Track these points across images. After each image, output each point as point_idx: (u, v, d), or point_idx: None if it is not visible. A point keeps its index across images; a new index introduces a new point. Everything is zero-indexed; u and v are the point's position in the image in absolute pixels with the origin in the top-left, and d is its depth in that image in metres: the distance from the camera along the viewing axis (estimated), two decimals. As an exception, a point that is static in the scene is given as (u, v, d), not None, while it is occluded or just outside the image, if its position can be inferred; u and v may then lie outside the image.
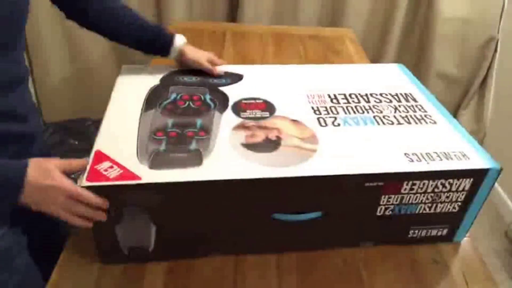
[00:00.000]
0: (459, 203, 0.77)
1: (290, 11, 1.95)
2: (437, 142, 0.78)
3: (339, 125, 0.82)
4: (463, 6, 1.94)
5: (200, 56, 0.97)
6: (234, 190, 0.68)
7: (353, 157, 0.73)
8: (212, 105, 0.85)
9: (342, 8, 1.94)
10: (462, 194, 0.76)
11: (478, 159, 0.76)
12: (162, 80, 0.93)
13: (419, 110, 0.89)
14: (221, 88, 0.91)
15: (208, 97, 0.88)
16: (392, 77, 1.03)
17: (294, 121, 0.83)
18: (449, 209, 0.77)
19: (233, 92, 0.90)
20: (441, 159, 0.73)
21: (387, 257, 0.79)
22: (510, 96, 1.93)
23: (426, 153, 0.74)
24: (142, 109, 0.82)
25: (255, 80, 0.96)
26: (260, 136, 0.77)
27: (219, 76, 0.97)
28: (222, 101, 0.87)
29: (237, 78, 0.97)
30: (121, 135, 0.75)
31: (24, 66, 0.75)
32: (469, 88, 2.13)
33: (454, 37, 2.00)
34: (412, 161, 0.72)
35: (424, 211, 0.76)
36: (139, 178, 0.65)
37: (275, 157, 0.72)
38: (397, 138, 0.79)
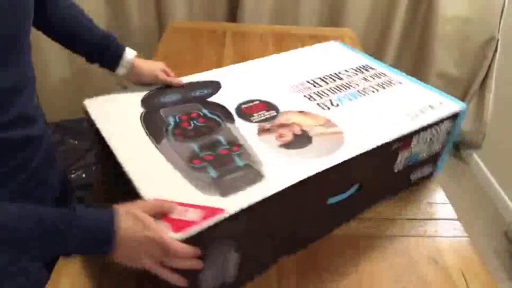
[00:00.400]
0: (442, 142, 0.91)
1: (290, 11, 1.95)
2: (417, 98, 0.91)
3: (338, 105, 0.87)
4: (463, 6, 1.94)
5: (154, 68, 0.89)
6: (299, 189, 0.68)
7: (373, 128, 0.80)
8: (217, 118, 0.82)
9: (342, 8, 1.94)
10: (445, 135, 0.89)
11: (452, 104, 0.90)
12: (144, 106, 0.84)
13: (383, 76, 1.00)
14: (209, 99, 0.87)
15: (207, 111, 0.83)
16: (341, 53, 1.12)
17: (301, 112, 0.85)
18: (436, 149, 0.91)
19: (224, 100, 0.87)
20: (429, 111, 0.86)
21: (387, 257, 0.79)
22: (510, 96, 1.93)
23: (418, 109, 0.86)
24: (153, 143, 0.74)
25: (233, 83, 0.94)
26: (287, 135, 0.77)
27: (193, 87, 0.90)
28: (222, 112, 0.83)
29: (215, 85, 0.93)
30: (158, 176, 0.67)
31: (32, 66, 0.74)
32: (469, 88, 2.13)
33: (454, 37, 2.00)
34: (413, 119, 0.83)
35: (422, 157, 0.89)
36: (223, 211, 0.60)
37: (315, 149, 0.74)
38: (386, 103, 0.89)
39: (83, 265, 0.75)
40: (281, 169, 0.69)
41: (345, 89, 0.93)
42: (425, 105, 0.88)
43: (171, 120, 0.80)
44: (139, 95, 0.88)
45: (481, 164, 2.11)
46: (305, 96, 0.90)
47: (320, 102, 0.88)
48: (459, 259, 0.80)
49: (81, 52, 0.89)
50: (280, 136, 0.77)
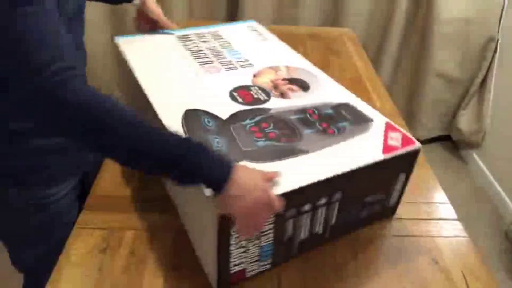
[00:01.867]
0: None
1: (290, 11, 1.95)
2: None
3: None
4: (463, 6, 1.94)
5: (159, 10, 1.05)
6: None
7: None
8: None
9: (342, 8, 1.94)
10: None
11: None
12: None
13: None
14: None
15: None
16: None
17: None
18: None
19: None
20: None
21: (387, 257, 0.79)
22: (510, 96, 1.93)
23: None
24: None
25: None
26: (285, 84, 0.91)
27: None
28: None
29: None
30: None
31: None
32: (469, 88, 2.13)
33: (454, 37, 2.00)
34: None
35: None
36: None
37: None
38: None
39: (83, 266, 0.75)
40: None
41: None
42: None
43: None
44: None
45: (481, 164, 2.11)
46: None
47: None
48: (459, 259, 0.80)
49: None
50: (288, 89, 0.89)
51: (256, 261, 0.71)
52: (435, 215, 0.89)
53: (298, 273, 0.75)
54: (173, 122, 0.74)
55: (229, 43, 1.06)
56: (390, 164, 0.75)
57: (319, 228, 0.74)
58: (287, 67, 0.98)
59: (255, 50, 1.04)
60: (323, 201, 0.70)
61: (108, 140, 0.58)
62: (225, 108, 0.81)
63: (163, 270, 0.75)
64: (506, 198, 1.90)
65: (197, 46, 1.03)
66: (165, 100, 0.81)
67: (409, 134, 0.78)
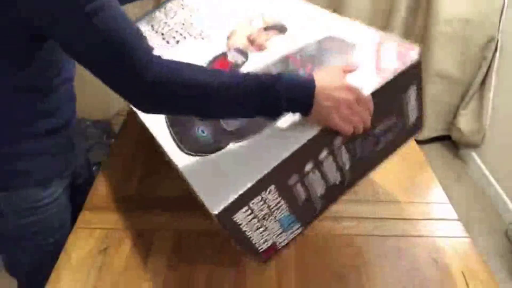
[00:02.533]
0: None
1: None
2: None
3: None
4: (463, 6, 1.93)
5: None
6: None
7: None
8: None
9: (342, 8, 1.94)
10: None
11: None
12: None
13: None
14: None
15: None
16: None
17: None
18: None
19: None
20: None
21: (387, 257, 0.79)
22: (510, 96, 1.93)
23: None
24: None
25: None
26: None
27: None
28: None
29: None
30: None
31: None
32: (469, 88, 2.13)
33: (454, 37, 2.00)
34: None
35: None
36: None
37: None
38: None
39: (83, 266, 0.75)
40: None
41: None
42: None
43: None
44: None
45: (481, 164, 2.10)
46: None
47: None
48: (459, 259, 0.80)
49: None
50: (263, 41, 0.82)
51: (281, 232, 0.69)
52: (435, 215, 0.89)
53: (298, 273, 0.75)
54: None
55: (197, 9, 0.99)
56: (390, 87, 0.67)
57: (335, 179, 0.71)
58: (262, 15, 0.89)
59: (225, 7, 0.96)
60: (324, 153, 0.66)
61: (215, 102, 0.61)
62: None
63: (163, 270, 0.75)
64: (506, 198, 1.90)
65: (166, 23, 0.99)
66: None
67: (405, 43, 0.70)
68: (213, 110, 0.64)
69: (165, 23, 1.00)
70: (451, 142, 2.33)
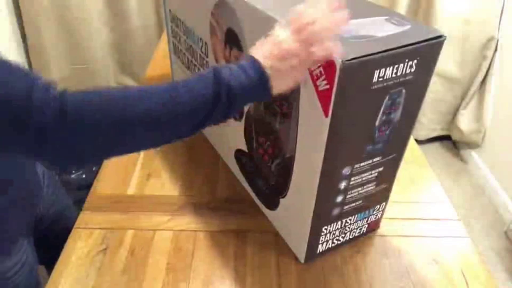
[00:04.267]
0: None
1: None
2: None
3: None
4: (463, 6, 1.94)
5: None
6: None
7: None
8: None
9: (342, 8, 1.94)
10: None
11: None
12: None
13: None
14: None
15: None
16: None
17: None
18: None
19: None
20: None
21: (387, 257, 0.79)
22: (510, 96, 1.93)
23: None
24: None
25: None
26: None
27: None
28: None
29: None
30: None
31: None
32: (469, 88, 2.13)
33: (454, 37, 2.00)
34: None
35: None
36: None
37: None
38: None
39: (82, 266, 0.75)
40: None
41: None
42: None
43: None
44: None
45: (481, 164, 2.10)
46: None
47: None
48: (459, 259, 0.80)
49: None
50: None
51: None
52: (435, 215, 0.89)
53: (298, 273, 0.75)
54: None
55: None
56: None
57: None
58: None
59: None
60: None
61: (139, 132, 0.50)
62: None
63: (162, 270, 0.75)
64: (506, 198, 1.90)
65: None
66: None
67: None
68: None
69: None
70: (451, 142, 2.33)
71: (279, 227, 0.82)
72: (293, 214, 0.74)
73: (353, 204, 0.72)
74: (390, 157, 0.69)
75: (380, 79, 0.55)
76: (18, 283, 0.75)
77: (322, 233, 0.72)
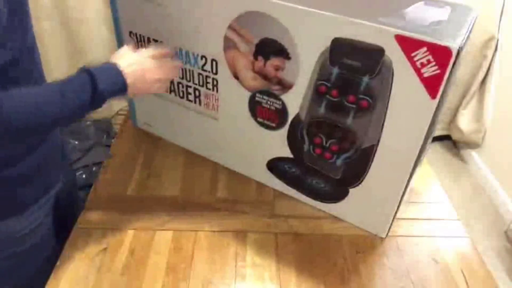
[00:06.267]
0: None
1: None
2: None
3: None
4: (463, 6, 1.94)
5: None
6: None
7: None
8: None
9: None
10: None
11: None
12: None
13: None
14: None
15: None
16: None
17: None
18: None
19: None
20: None
21: (387, 257, 0.79)
22: (510, 96, 1.93)
23: None
24: None
25: None
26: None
27: None
28: None
29: None
30: None
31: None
32: (469, 87, 2.13)
33: (454, 37, 2.00)
34: None
35: None
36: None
37: None
38: None
39: (82, 266, 0.75)
40: None
41: None
42: None
43: None
44: None
45: (481, 164, 2.10)
46: None
47: None
48: (459, 259, 0.80)
49: None
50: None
51: None
52: (435, 215, 0.89)
53: (298, 273, 0.75)
54: None
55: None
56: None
57: None
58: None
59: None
60: None
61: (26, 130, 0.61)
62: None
63: (162, 270, 0.75)
64: (506, 198, 1.90)
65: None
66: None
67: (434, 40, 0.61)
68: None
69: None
70: (451, 142, 2.33)
71: (349, 215, 0.86)
72: (375, 196, 0.80)
73: None
74: None
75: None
76: (36, 242, 0.78)
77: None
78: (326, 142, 0.79)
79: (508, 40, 1.93)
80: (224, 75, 0.84)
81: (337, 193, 0.85)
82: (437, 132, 2.30)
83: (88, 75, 0.65)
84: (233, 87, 0.83)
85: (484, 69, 2.04)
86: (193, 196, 0.91)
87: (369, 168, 0.77)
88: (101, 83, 0.65)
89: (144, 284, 0.72)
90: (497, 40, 1.96)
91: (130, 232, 0.82)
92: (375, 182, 0.78)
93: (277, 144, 0.85)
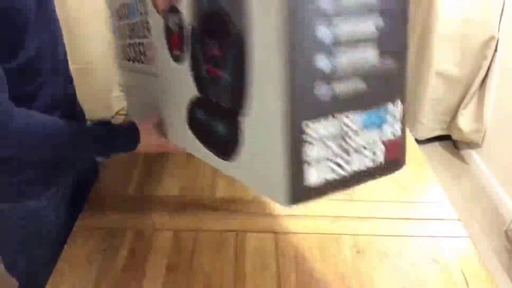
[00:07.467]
0: None
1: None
2: None
3: None
4: (463, 6, 1.94)
5: None
6: None
7: None
8: None
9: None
10: None
11: None
12: None
13: None
14: None
15: None
16: None
17: None
18: None
19: None
20: None
21: (387, 257, 0.79)
22: (510, 96, 1.93)
23: None
24: None
25: None
26: None
27: None
28: None
29: None
30: None
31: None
32: (469, 87, 2.13)
33: (454, 36, 2.00)
34: None
35: None
36: None
37: None
38: None
39: (83, 266, 0.75)
40: None
41: None
42: None
43: None
44: None
45: (481, 164, 2.10)
46: None
47: None
48: (459, 259, 0.80)
49: None
50: None
51: None
52: (435, 215, 0.89)
53: (298, 273, 0.75)
54: None
55: None
56: None
57: None
58: None
59: None
60: None
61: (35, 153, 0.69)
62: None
63: (162, 270, 0.75)
64: (506, 198, 1.89)
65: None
66: None
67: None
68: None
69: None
70: (451, 142, 2.33)
71: (248, 175, 0.57)
72: (262, 134, 0.47)
73: (348, 83, 0.43)
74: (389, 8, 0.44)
75: None
76: (52, 220, 0.84)
77: (307, 140, 0.42)
78: (211, 48, 0.52)
79: (508, 40, 1.93)
80: (152, 15, 0.67)
81: (229, 133, 0.55)
82: (437, 132, 2.30)
83: (109, 138, 0.73)
84: (157, 21, 0.64)
85: (484, 69, 2.04)
86: (193, 196, 0.91)
87: (250, 73, 0.46)
88: (115, 149, 0.74)
89: (144, 284, 0.72)
90: (497, 40, 1.96)
91: (130, 232, 0.82)
92: (259, 103, 0.46)
93: (190, 82, 0.60)
